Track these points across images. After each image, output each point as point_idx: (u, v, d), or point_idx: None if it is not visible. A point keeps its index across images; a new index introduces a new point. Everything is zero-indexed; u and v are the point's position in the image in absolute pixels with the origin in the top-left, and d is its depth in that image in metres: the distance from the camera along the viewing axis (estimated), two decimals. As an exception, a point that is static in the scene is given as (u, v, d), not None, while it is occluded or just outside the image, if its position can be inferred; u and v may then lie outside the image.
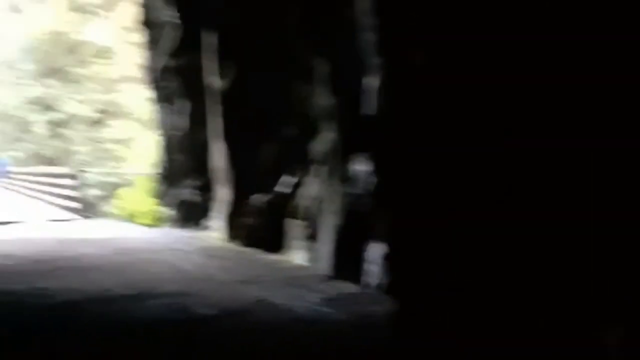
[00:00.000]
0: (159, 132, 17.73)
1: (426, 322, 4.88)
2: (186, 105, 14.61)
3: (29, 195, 28.15)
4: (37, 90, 31.22)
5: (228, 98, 11.81)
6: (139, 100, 27.63)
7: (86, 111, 29.21)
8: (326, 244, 8.54)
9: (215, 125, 12.56)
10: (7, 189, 32.93)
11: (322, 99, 8.65)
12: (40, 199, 25.28)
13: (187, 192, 15.12)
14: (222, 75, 11.95)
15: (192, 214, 14.92)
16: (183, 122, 14.89)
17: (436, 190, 4.98)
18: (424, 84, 5.24)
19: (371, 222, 7.36)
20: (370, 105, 7.03)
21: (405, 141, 5.41)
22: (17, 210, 20.65)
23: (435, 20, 5.28)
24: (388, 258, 5.88)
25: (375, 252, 7.26)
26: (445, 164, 4.90)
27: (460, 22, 4.94)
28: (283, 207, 10.13)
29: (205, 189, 14.15)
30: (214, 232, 12.98)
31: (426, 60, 5.19)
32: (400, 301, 5.27)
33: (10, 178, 33.65)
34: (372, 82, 7.12)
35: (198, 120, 14.30)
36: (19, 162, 33.73)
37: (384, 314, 6.38)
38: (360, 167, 7.61)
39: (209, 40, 12.64)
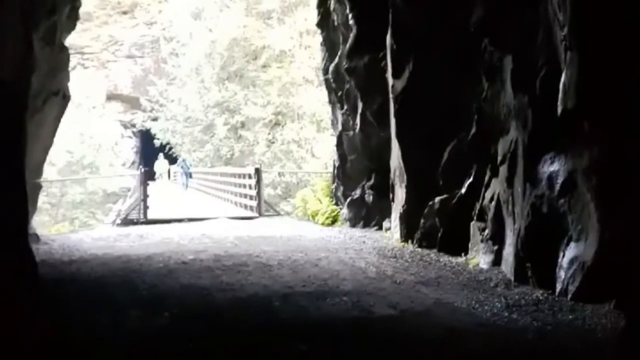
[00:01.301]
0: (334, 132, 18.00)
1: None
2: (360, 106, 14.67)
3: (210, 194, 29.64)
4: (219, 94, 32.75)
5: (405, 98, 11.68)
6: (315, 102, 28.23)
7: (264, 113, 30.25)
8: (509, 247, 8.17)
9: (391, 125, 12.48)
10: (190, 187, 34.86)
11: (507, 97, 8.29)
12: (221, 198, 26.51)
13: (362, 192, 15.19)
14: (398, 75, 11.84)
15: (366, 214, 14.96)
16: (357, 122, 14.97)
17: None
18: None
19: (562, 225, 6.94)
20: (563, 101, 6.64)
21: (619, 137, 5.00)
22: (199, 208, 21.74)
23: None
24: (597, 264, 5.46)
25: (567, 256, 6.82)
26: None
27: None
28: (463, 209, 9.84)
29: (380, 189, 14.13)
30: (389, 232, 12.92)
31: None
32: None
33: (192, 178, 35.59)
34: (564, 78, 6.73)
35: (372, 120, 14.32)
36: (201, 162, 35.61)
37: (578, 322, 6.00)
38: (549, 166, 7.18)
39: (385, 40, 12.59)
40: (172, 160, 40.01)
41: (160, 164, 42.69)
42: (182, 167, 35.37)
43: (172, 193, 31.85)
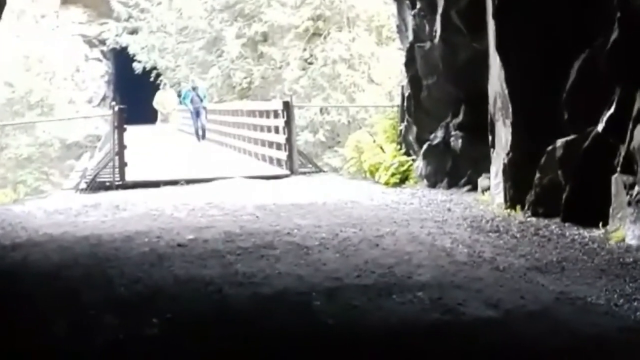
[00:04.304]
0: (402, 45, 17.89)
1: None
2: (441, 3, 14.53)
3: (217, 142, 29.83)
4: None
5: (507, 3, 11.57)
6: (372, 1, 27.99)
7: (297, 19, 29.89)
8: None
9: (489, 31, 12.36)
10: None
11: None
12: (233, 147, 26.67)
13: (445, 134, 15.14)
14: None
15: (452, 168, 14.94)
16: (436, 28, 14.85)
17: None
18: None
19: None
20: None
21: None
22: (208, 163, 21.89)
23: None
24: None
25: None
26: None
27: None
28: (600, 156, 9.77)
29: (473, 128, 14.06)
30: (487, 193, 12.88)
31: None
32: None
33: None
34: None
35: (459, 24, 14.19)
36: (207, 94, 35.38)
37: None
38: None
39: None
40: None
41: (165, 97, 39.37)
42: (191, 101, 31.12)
43: (163, 141, 31.91)
